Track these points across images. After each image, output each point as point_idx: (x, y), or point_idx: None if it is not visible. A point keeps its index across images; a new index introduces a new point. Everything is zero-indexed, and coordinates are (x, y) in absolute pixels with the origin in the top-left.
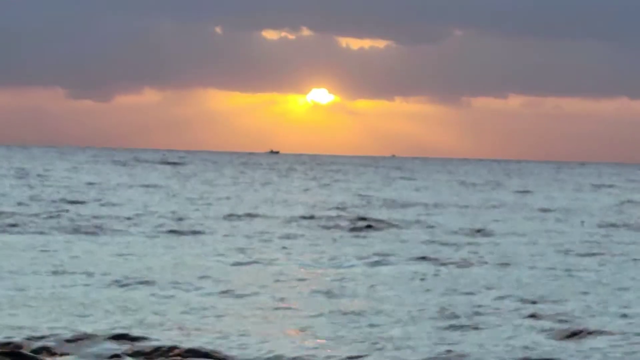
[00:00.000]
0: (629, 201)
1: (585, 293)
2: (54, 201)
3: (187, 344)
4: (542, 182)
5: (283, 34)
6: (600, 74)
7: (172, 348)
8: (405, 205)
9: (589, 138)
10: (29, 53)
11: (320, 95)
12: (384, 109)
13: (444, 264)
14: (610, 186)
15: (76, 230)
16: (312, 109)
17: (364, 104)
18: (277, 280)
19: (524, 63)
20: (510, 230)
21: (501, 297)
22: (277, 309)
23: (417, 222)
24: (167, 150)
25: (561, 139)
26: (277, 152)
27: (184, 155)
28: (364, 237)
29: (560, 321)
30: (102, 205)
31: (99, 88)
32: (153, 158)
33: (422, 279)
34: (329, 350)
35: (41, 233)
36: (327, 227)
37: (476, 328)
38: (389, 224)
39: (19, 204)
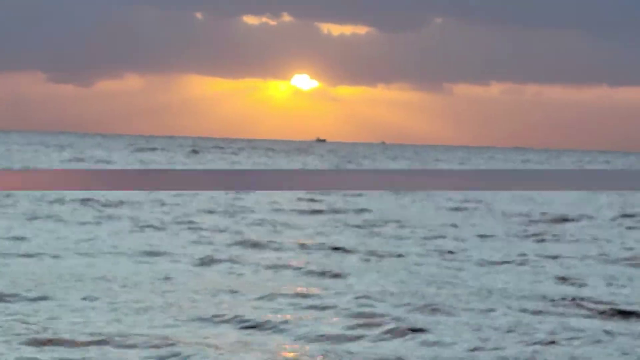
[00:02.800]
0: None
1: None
2: None
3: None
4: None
5: (264, 19)
6: (580, 62)
7: None
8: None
9: (570, 125)
10: (9, 37)
11: (302, 81)
12: (366, 96)
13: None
14: None
15: None
16: (294, 95)
17: (346, 90)
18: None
19: (505, 50)
20: None
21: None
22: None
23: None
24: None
25: (542, 126)
26: (323, 141)
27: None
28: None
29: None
30: None
31: (80, 73)
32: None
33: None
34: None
35: None
36: None
37: None
38: None
39: None
